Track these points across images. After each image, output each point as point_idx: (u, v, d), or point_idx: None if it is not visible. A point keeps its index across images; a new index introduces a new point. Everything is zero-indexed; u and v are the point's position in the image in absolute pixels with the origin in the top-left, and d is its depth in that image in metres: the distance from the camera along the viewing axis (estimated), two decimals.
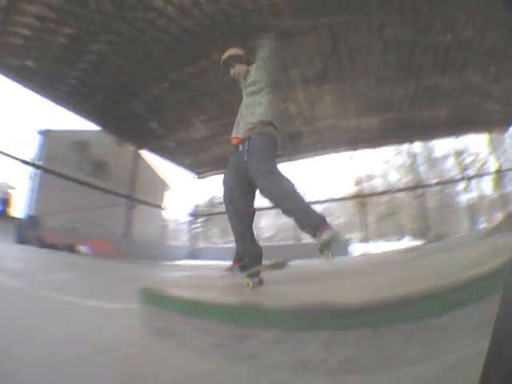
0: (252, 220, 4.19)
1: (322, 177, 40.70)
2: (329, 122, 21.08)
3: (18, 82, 18.46)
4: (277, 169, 3.78)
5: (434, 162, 32.76)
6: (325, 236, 3.22)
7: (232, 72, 4.65)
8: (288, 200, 3.54)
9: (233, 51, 4.82)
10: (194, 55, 16.11)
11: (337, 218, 42.03)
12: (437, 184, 28.38)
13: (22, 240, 14.67)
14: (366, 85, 17.26)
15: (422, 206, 23.46)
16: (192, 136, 23.92)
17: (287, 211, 3.60)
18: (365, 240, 25.36)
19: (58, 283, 5.82)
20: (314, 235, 3.40)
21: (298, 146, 23.74)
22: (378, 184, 35.35)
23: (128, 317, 3.43)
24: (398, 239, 33.79)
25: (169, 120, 22.20)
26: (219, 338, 2.21)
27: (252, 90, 4.31)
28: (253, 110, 4.15)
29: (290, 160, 25.69)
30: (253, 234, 4.13)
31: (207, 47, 15.27)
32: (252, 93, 4.30)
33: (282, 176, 3.70)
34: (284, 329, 2.06)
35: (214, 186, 42.05)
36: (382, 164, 36.46)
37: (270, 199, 3.70)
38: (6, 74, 17.81)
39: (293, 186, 3.62)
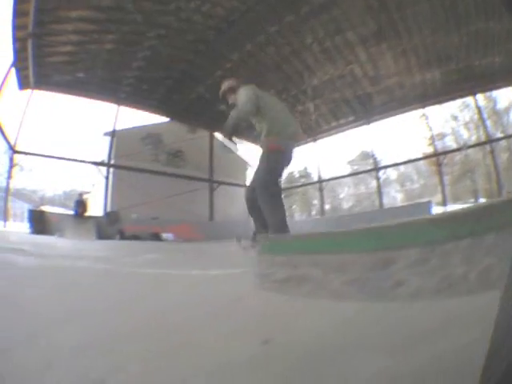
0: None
1: (395, 139, 39.76)
2: (394, 79, 20.44)
3: (72, 94, 19.41)
4: (267, 179, 4.60)
5: (499, 114, 31.22)
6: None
7: (230, 102, 5.33)
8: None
9: (226, 84, 5.46)
10: (249, 32, 16.05)
11: (414, 181, 41.09)
12: (504, 138, 27.01)
13: (102, 236, 15.29)
14: (421, 36, 16.59)
15: (493, 163, 22.47)
16: None
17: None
18: (443, 203, 24.51)
19: (148, 262, 5.97)
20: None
21: (368, 109, 23.19)
22: (450, 143, 34.18)
23: (242, 278, 3.36)
24: (473, 201, 32.45)
25: None
26: (354, 273, 1.99)
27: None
28: (264, 123, 4.83)
29: (363, 124, 25.25)
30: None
31: (260, 22, 15.14)
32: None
33: (272, 185, 4.62)
34: (424, 243, 1.86)
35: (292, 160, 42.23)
36: (451, 121, 35.21)
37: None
38: (59, 91, 18.74)
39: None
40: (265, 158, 4.67)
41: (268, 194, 4.52)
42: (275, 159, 4.65)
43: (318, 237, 2.45)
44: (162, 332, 1.70)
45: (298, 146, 4.84)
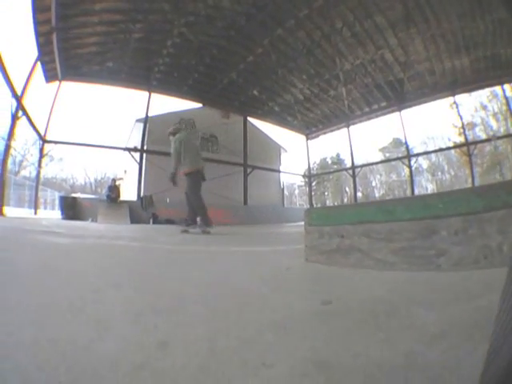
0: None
1: (426, 126, 39.34)
2: (425, 65, 20.06)
3: (103, 84, 19.64)
4: (193, 191, 8.30)
5: None
6: (204, 229, 7.92)
7: (171, 139, 8.90)
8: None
9: (171, 129, 9.33)
10: (279, 17, 15.92)
11: (445, 171, 40.48)
12: None
13: (136, 220, 15.46)
14: (448, 22, 16.23)
15: None
16: (296, 97, 24.01)
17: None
18: None
19: (188, 240, 6.14)
20: (201, 227, 8.08)
21: (400, 95, 22.72)
22: (480, 133, 33.53)
23: (291, 252, 3.49)
24: None
25: (269, 85, 22.49)
26: (399, 242, 2.10)
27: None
28: (187, 159, 8.42)
29: (394, 111, 24.73)
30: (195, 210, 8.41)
31: (290, 6, 15.03)
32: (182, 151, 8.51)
33: (195, 194, 8.27)
34: (465, 213, 1.96)
35: (325, 146, 41.72)
36: (480, 111, 34.59)
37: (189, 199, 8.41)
38: (89, 81, 19.01)
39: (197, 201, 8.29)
40: (191, 179, 8.31)
41: (195, 199, 8.25)
42: (196, 178, 8.35)
43: (364, 207, 2.51)
44: (223, 295, 1.81)
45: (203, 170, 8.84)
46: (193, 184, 8.28)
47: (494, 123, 34.11)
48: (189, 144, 8.74)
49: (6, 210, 14.09)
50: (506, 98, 23.29)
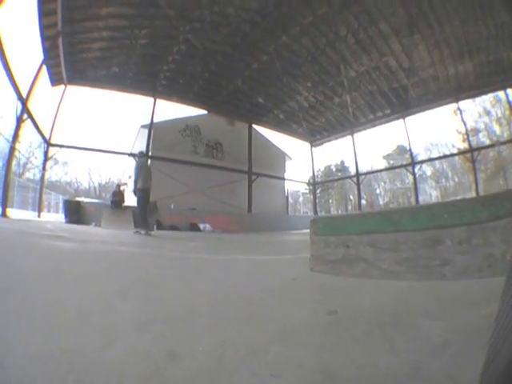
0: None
1: (429, 133, 38.98)
2: (429, 72, 20.01)
3: (108, 89, 19.71)
4: (139, 203, 10.43)
5: None
6: (146, 231, 9.96)
7: (136, 160, 11.88)
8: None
9: (137, 153, 12.07)
10: (284, 24, 15.96)
11: (449, 178, 40.31)
12: None
13: (140, 226, 15.38)
14: (452, 27, 16.21)
15: None
16: (301, 104, 23.92)
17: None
18: None
19: (193, 248, 6.12)
20: (146, 230, 9.99)
21: (404, 102, 22.66)
22: (484, 139, 33.40)
23: (296, 262, 3.48)
24: None
25: (274, 92, 22.38)
26: (404, 252, 2.11)
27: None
28: (140, 179, 10.25)
29: (398, 118, 24.55)
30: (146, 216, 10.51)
31: (294, 13, 15.07)
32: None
33: (141, 206, 10.51)
34: (469, 222, 1.98)
35: (329, 153, 41.49)
36: (484, 116, 34.47)
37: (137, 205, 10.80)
38: (94, 86, 19.08)
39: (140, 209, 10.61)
40: (140, 194, 10.12)
41: (141, 209, 10.30)
42: (144, 194, 10.18)
43: (369, 217, 2.52)
44: (230, 306, 1.82)
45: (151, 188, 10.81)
46: (141, 198, 10.38)
47: (497, 128, 34.01)
48: (146, 167, 10.98)
49: (10, 211, 14.08)
50: (509, 103, 23.18)
